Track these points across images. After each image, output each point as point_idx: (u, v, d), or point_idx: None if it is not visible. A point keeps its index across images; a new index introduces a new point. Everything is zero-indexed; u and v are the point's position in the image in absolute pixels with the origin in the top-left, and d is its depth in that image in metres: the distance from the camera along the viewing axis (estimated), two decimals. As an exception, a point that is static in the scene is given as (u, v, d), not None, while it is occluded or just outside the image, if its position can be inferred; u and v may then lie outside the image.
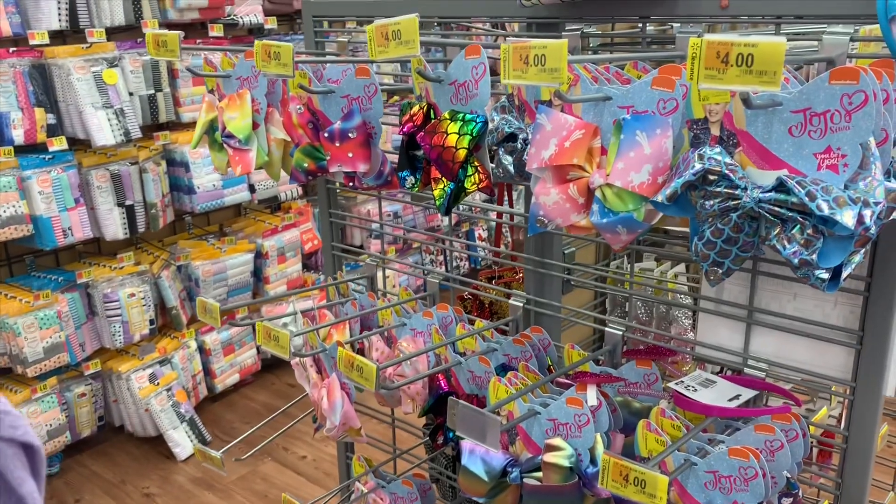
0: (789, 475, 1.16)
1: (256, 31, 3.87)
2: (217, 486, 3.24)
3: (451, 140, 1.06)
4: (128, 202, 3.28)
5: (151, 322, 3.45)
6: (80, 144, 3.20)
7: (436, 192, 1.11)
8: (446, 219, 4.77)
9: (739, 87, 0.74)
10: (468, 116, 1.07)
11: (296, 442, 3.52)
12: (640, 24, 1.30)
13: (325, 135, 1.26)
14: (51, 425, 3.20)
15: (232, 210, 4.06)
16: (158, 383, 3.47)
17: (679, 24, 1.27)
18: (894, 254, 1.08)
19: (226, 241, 3.80)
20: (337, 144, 1.25)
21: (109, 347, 3.39)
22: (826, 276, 0.90)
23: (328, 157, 1.27)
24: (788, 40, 0.75)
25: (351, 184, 1.32)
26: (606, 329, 1.43)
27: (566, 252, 1.55)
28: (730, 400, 1.21)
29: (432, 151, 1.08)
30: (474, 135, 1.06)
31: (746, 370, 1.28)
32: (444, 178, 1.10)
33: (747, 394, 1.23)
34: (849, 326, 1.17)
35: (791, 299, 1.23)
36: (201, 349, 3.77)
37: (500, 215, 1.76)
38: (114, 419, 3.55)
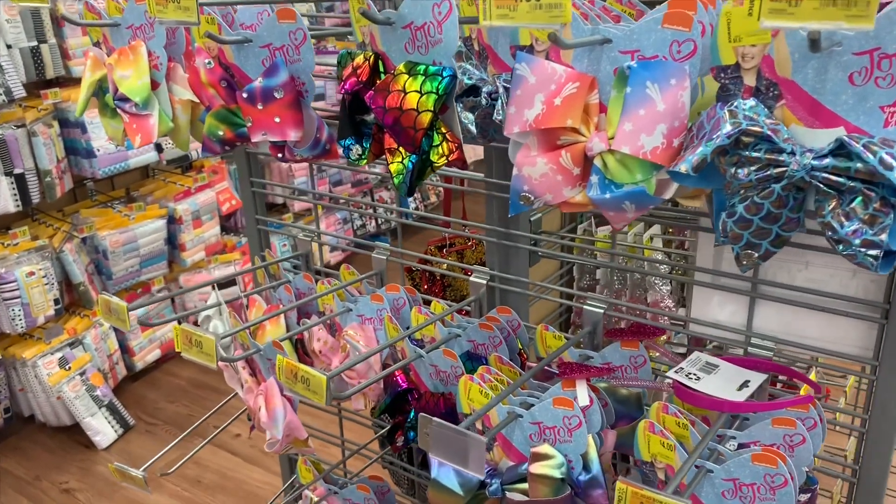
0: (808, 469, 1.02)
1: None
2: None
3: (412, 100, 0.83)
4: (17, 171, 2.91)
5: (57, 302, 3.12)
6: (-48, 107, 2.80)
7: (393, 168, 0.89)
8: (377, 167, 4.52)
9: (819, 25, 0.55)
10: (431, 70, 0.84)
11: (226, 419, 3.28)
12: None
13: (244, 95, 1.01)
14: (-52, 425, 2.87)
15: (138, 172, 3.70)
16: (70, 367, 3.16)
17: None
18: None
19: (134, 208, 3.45)
20: (259, 107, 1.00)
21: (10, 333, 3.04)
22: (878, 253, 0.73)
23: (249, 124, 1.02)
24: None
25: (280, 155, 1.07)
26: (585, 307, 1.25)
27: (532, 220, 1.36)
28: (739, 389, 1.06)
29: (387, 115, 0.86)
30: (440, 93, 0.84)
31: (751, 350, 1.13)
32: (402, 150, 0.87)
33: (756, 379, 1.08)
34: (872, 298, 1.02)
35: (802, 268, 1.07)
36: (116, 326, 3.45)
37: (448, 178, 1.55)
38: (22, 409, 3.23)
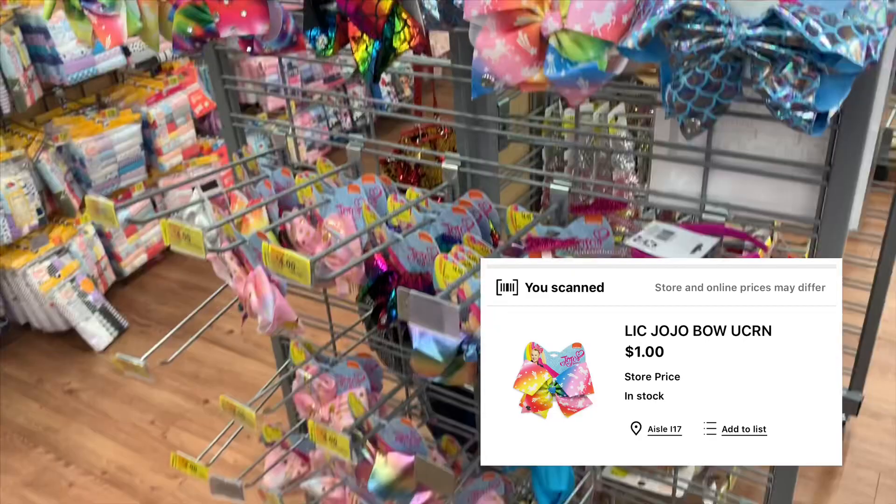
0: (755, 322, 1.12)
1: None
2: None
3: (372, -12, 0.87)
4: (-17, 81, 2.88)
5: (39, 211, 3.15)
6: None
7: (358, 56, 0.93)
8: (347, 66, 4.47)
9: None
10: (389, -44, 0.87)
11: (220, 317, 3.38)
12: None
13: (210, -9, 1.03)
14: (-53, 335, 2.96)
15: (107, 78, 3.65)
16: (59, 275, 3.23)
17: None
18: (865, 81, 0.99)
19: (107, 114, 3.43)
20: (225, 2, 1.02)
21: (-3, 244, 3.09)
22: (811, 116, 0.80)
23: (217, 19, 1.05)
24: None
25: (249, 49, 1.10)
26: (551, 186, 1.31)
27: (500, 104, 1.40)
28: (692, 252, 1.14)
29: (349, 4, 0.89)
30: (399, -20, 0.87)
31: (705, 216, 1.21)
32: (366, 37, 0.91)
33: (708, 242, 1.17)
34: (813, 161, 1.10)
35: (752, 137, 1.14)
36: (100, 233, 3.50)
37: (418, 66, 1.57)
38: (17, 317, 3.32)
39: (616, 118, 1.54)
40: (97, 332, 3.29)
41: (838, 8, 0.74)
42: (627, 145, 1.53)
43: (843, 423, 2.56)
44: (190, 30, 1.10)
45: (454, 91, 1.35)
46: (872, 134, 1.06)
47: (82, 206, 3.43)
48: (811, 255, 1.14)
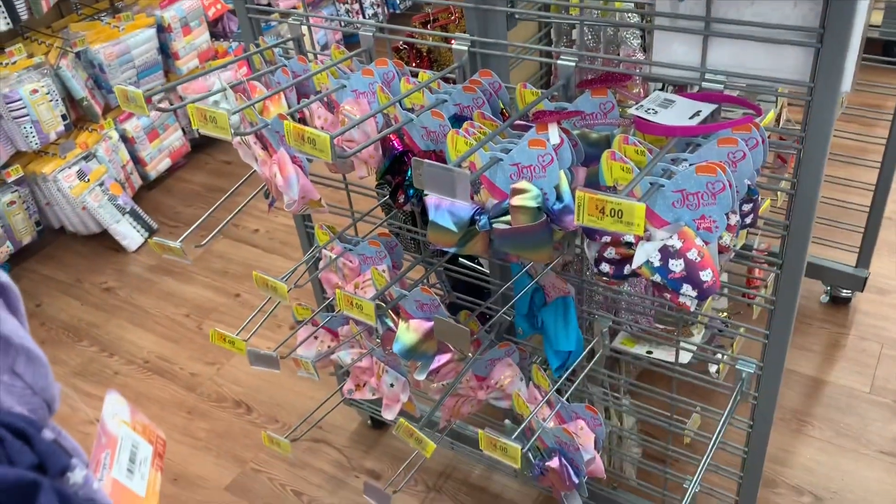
0: (749, 182, 1.19)
1: None
2: (175, 270, 3.26)
3: None
4: (-1, -13, 2.90)
5: (64, 117, 3.23)
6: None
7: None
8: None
9: None
10: None
11: (244, 217, 3.50)
12: None
13: None
14: (-12, 239, 3.10)
15: (119, -19, 3.65)
16: (89, 179, 3.34)
17: None
18: (859, -60, 1.02)
19: (122, 19, 3.45)
20: None
21: (25, 150, 3.19)
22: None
23: None
24: None
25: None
26: (558, 62, 1.36)
27: (506, -18, 1.44)
28: (691, 118, 1.20)
29: None
30: None
31: (704, 84, 1.26)
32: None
33: (707, 109, 1.22)
34: (809, 25, 1.14)
35: (749, 4, 1.18)
36: (124, 138, 3.59)
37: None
38: (52, 222, 3.46)
39: (623, -5, 1.56)
40: (129, 234, 3.42)
41: None
42: (634, 20, 1.56)
43: (849, 299, 2.66)
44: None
45: (462, -29, 1.39)
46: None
47: (105, 111, 3.50)
48: (805, 118, 1.20)
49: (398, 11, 4.84)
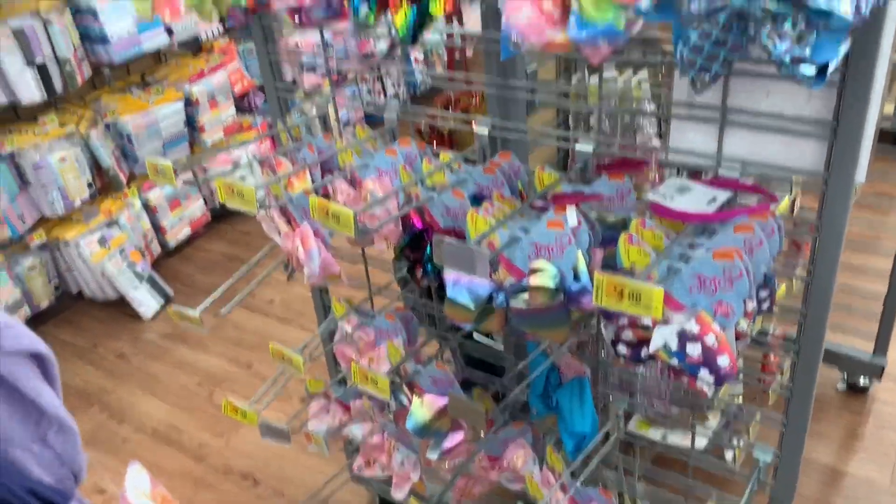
0: (766, 269, 1.20)
1: None
2: (189, 338, 3.27)
3: (410, -41, 0.96)
4: (38, 60, 3.02)
5: (90, 185, 3.31)
6: (-31, 0, 2.88)
7: (397, 22, 1.02)
8: (381, 44, 4.55)
9: None
10: (426, -70, 0.97)
11: (260, 287, 3.52)
12: None
13: (263, -34, 1.13)
14: (7, 302, 3.13)
15: (151, 58, 3.79)
16: (109, 246, 3.39)
17: None
18: (869, 42, 1.06)
19: (152, 92, 3.58)
20: (277, -24, 1.13)
21: (51, 216, 3.26)
22: (812, 71, 0.87)
23: (269, -9, 1.15)
24: None
25: (297, 18, 1.21)
26: (577, 146, 1.40)
27: (528, 71, 1.49)
28: (707, 204, 1.23)
29: (389, -26, 0.99)
30: (435, -49, 0.97)
31: (721, 171, 1.29)
32: (404, 4, 1.01)
33: (722, 195, 1.25)
34: (822, 118, 1.17)
35: (764, 97, 1.21)
36: (146, 207, 3.66)
37: (450, 35, 1.66)
38: (71, 287, 3.50)
39: (640, 84, 1.61)
40: (145, 301, 3.45)
41: (832, -32, 0.82)
42: (650, 109, 1.61)
43: (867, 388, 2.62)
44: (244, 2, 1.21)
45: (485, 59, 1.44)
46: (877, 91, 1.13)
47: (129, 180, 3.58)
48: (820, 208, 1.22)
49: (417, 94, 4.97)
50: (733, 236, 1.17)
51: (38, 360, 0.53)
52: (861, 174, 1.19)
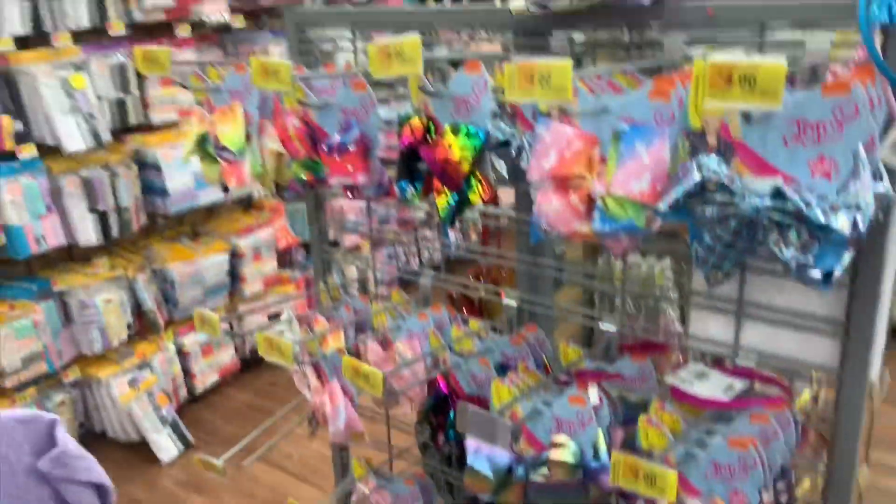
0: (783, 461, 1.22)
1: (223, 30, 3.83)
2: (205, 488, 3.24)
3: (455, 154, 1.09)
4: (100, 207, 3.24)
5: (129, 326, 3.43)
6: (49, 151, 3.15)
7: (440, 204, 1.14)
8: (420, 212, 4.80)
9: (744, 106, 0.78)
10: (471, 130, 1.10)
11: (284, 441, 3.52)
12: (623, 29, 1.34)
13: (324, 148, 1.27)
14: (32, 436, 3.17)
15: (204, 210, 4.03)
16: (139, 387, 3.45)
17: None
18: (875, 247, 1.14)
19: (200, 242, 3.77)
20: (336, 157, 1.26)
21: (88, 354, 3.35)
22: (820, 276, 0.95)
23: (327, 170, 1.29)
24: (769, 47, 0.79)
25: (350, 194, 1.33)
26: (601, 326, 1.47)
27: (557, 251, 1.59)
28: (725, 391, 1.27)
29: (436, 165, 1.11)
30: (477, 149, 1.09)
31: (738, 361, 1.33)
32: (447, 191, 1.12)
33: (740, 384, 1.29)
34: (834, 316, 1.23)
35: (778, 292, 1.28)
36: (180, 351, 3.75)
37: (485, 213, 1.79)
38: (95, 425, 3.52)
39: (662, 271, 1.70)
40: (166, 446, 3.46)
41: (832, 188, 0.91)
42: (672, 295, 1.69)
43: None
44: (303, 177, 1.34)
45: (517, 237, 1.55)
46: (885, 293, 1.20)
47: (167, 324, 3.70)
48: (836, 404, 1.25)
49: (451, 258, 5.14)
50: (749, 425, 1.20)
51: (100, 490, 0.58)
52: (874, 372, 1.23)
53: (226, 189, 3.72)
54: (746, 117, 0.88)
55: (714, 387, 1.28)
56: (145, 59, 1.36)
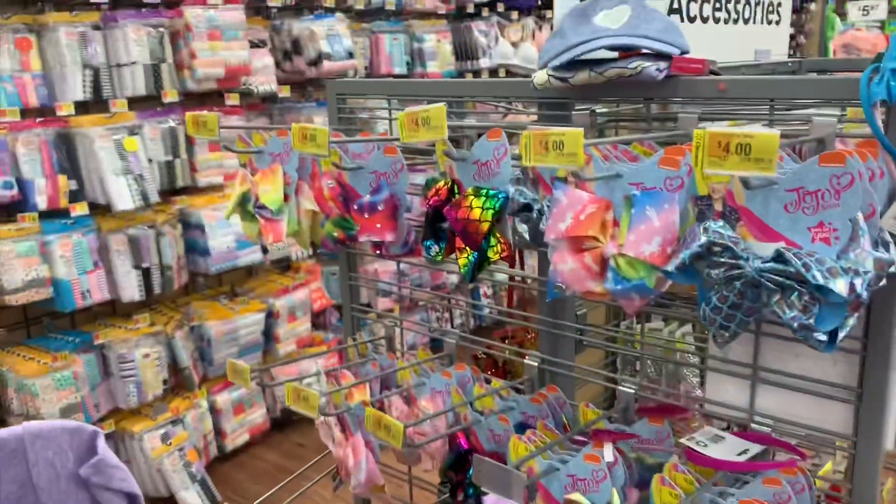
0: (798, 527, 1.22)
1: (270, 100, 4.02)
2: (228, 546, 3.25)
3: (476, 214, 1.15)
4: (144, 265, 3.37)
5: (165, 382, 3.51)
6: (100, 209, 3.31)
7: (461, 261, 1.20)
8: (453, 276, 4.87)
9: (739, 173, 0.84)
10: (491, 192, 1.17)
11: (306, 501, 3.53)
12: (643, 103, 1.41)
13: (356, 207, 1.35)
14: (65, 486, 3.23)
15: (244, 271, 4.15)
16: (171, 443, 3.51)
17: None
18: (887, 315, 1.17)
19: (238, 302, 3.87)
20: (366, 216, 1.34)
21: (123, 408, 3.43)
22: (824, 338, 0.98)
23: (357, 228, 1.36)
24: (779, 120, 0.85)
25: (378, 251, 1.41)
26: (619, 388, 1.50)
27: (578, 313, 1.64)
28: (738, 454, 1.28)
29: (457, 224, 1.18)
30: (497, 209, 1.16)
31: (753, 426, 1.35)
32: (468, 249, 1.19)
33: (755, 448, 1.30)
34: (847, 383, 1.25)
35: (793, 358, 1.31)
36: (212, 409, 3.81)
37: (512, 277, 1.85)
38: (125, 479, 3.57)
39: (683, 336, 1.73)
40: (193, 503, 3.48)
41: (832, 253, 0.96)
42: (694, 360, 1.71)
43: None
44: (335, 234, 1.42)
45: (539, 298, 1.60)
46: (898, 362, 1.21)
47: (202, 381, 3.78)
48: (851, 472, 1.26)
49: (482, 324, 5.18)
50: (762, 489, 1.21)
51: (132, 498, 0.63)
52: (889, 441, 1.24)
53: (265, 250, 3.85)
54: (747, 184, 0.93)
55: (728, 450, 1.29)
56: (195, 123, 1.47)
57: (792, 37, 7.77)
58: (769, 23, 2.18)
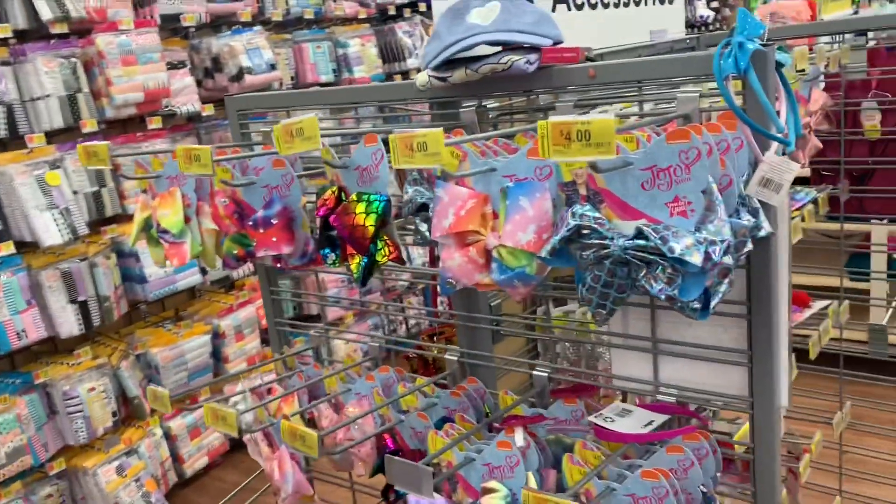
0: (705, 489, 1.27)
1: (195, 119, 3.99)
2: (193, 572, 3.22)
3: (360, 219, 1.17)
4: (80, 298, 3.32)
5: (114, 414, 3.46)
6: (28, 246, 3.25)
7: (352, 266, 1.22)
8: (402, 280, 4.86)
9: (581, 158, 0.87)
10: (373, 197, 1.19)
11: (269, 518, 3.52)
12: (523, 95, 1.44)
13: (250, 223, 1.36)
14: (19, 531, 3.17)
15: (186, 293, 4.11)
16: (126, 475, 3.47)
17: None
18: (765, 278, 1.21)
19: (182, 326, 3.84)
20: (261, 231, 1.35)
21: (73, 444, 3.38)
22: (697, 305, 1.02)
23: (254, 243, 1.37)
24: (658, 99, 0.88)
25: (278, 264, 1.42)
26: (533, 372, 1.53)
27: (493, 304, 1.67)
28: (644, 426, 1.32)
29: (344, 230, 1.20)
30: (379, 213, 1.18)
31: (658, 397, 1.39)
32: (357, 254, 1.21)
33: (660, 419, 1.34)
34: (739, 347, 1.30)
35: (687, 327, 1.35)
36: (167, 435, 3.77)
37: (434, 276, 1.87)
38: (83, 517, 3.52)
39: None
40: (155, 532, 3.45)
41: (690, 226, 1.00)
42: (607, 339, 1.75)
43: None
44: (235, 251, 1.43)
45: (455, 295, 1.62)
46: (781, 320, 1.27)
47: (153, 410, 3.74)
48: (751, 431, 1.30)
49: (432, 324, 5.20)
50: (666, 457, 1.25)
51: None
52: (783, 398, 1.29)
53: (204, 271, 3.81)
54: (595, 168, 0.97)
55: (635, 423, 1.33)
56: (86, 154, 1.47)
57: (717, 10, 7.93)
58: (662, 2, 2.23)
